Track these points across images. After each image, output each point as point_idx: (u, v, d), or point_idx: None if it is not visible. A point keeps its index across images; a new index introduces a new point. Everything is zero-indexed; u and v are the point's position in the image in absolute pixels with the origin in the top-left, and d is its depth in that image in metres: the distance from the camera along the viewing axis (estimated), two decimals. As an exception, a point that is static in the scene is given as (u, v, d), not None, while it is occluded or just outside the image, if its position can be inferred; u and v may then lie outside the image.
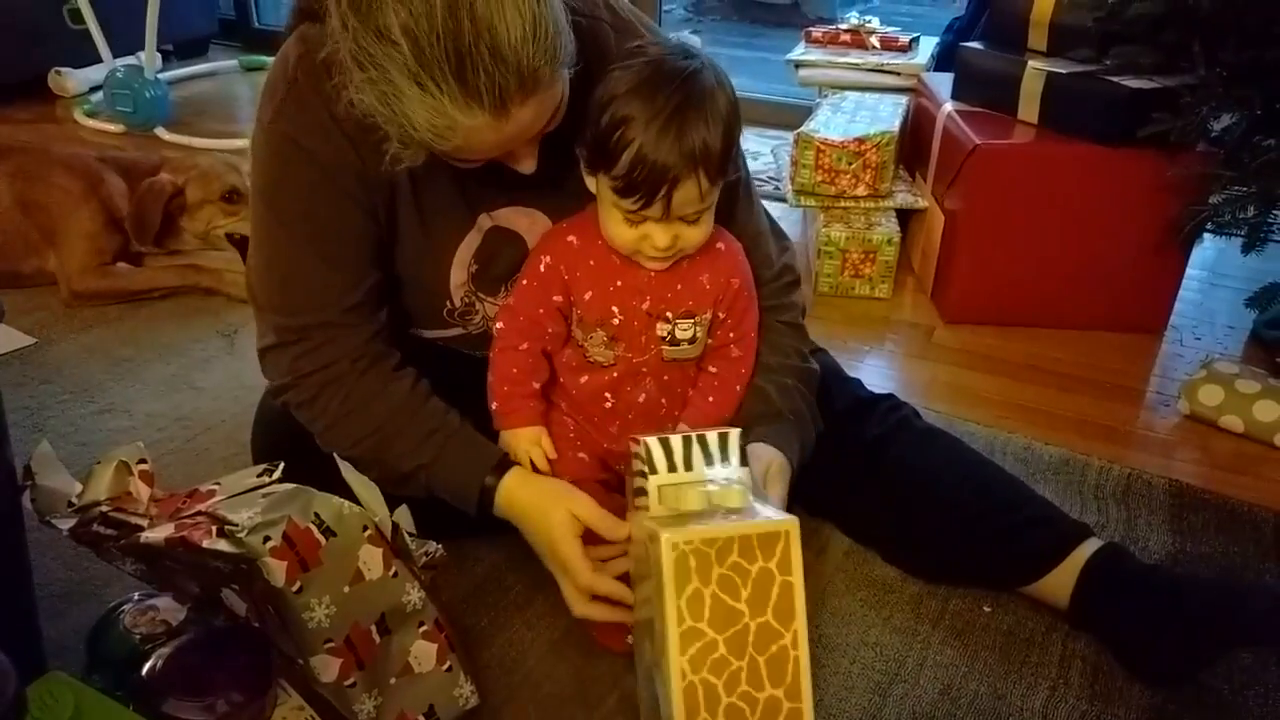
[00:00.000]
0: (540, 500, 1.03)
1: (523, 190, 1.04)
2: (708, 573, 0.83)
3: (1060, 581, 1.12)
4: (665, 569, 0.83)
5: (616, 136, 0.92)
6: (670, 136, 0.91)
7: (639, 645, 0.99)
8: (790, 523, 0.85)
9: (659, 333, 1.05)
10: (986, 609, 1.17)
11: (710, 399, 1.10)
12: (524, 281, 1.06)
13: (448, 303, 1.10)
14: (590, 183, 1.00)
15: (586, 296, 1.04)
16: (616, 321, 1.04)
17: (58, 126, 2.88)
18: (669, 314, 1.04)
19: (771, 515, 0.87)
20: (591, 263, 1.03)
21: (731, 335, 1.09)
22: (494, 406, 1.08)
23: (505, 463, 1.06)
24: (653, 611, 0.89)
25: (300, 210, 1.01)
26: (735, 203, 1.12)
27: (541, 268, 1.05)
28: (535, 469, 1.06)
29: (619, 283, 1.03)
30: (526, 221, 1.08)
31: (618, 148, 0.92)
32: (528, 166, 0.95)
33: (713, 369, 1.11)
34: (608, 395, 1.08)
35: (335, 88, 0.88)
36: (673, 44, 0.99)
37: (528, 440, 1.07)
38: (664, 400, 1.10)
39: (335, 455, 0.95)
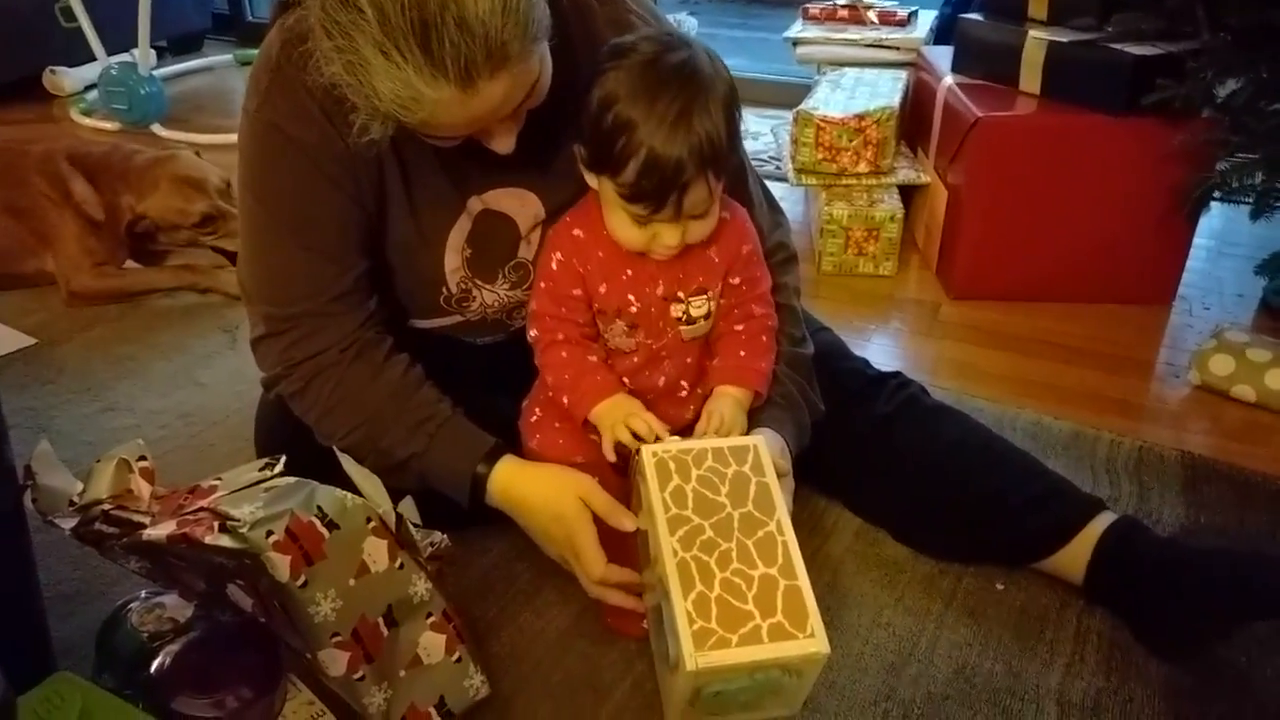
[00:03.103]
0: (546, 489, 1.02)
1: (511, 171, 1.02)
2: (687, 473, 0.92)
3: (1074, 557, 1.11)
4: (648, 471, 0.92)
5: (621, 143, 0.90)
6: (678, 141, 0.89)
7: (653, 630, 0.99)
8: (757, 439, 0.97)
9: (674, 314, 1.04)
10: (999, 586, 1.16)
11: (741, 353, 1.07)
12: (541, 284, 1.05)
13: (444, 289, 1.09)
14: (591, 179, 0.98)
15: (602, 289, 1.02)
16: (634, 310, 1.03)
17: (55, 125, 2.88)
18: (681, 294, 1.03)
19: (743, 439, 0.98)
20: (600, 254, 1.02)
21: (749, 297, 1.08)
22: (567, 400, 1.04)
23: (497, 450, 1.04)
24: (654, 573, 0.92)
25: (286, 199, 1.00)
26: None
27: (554, 265, 1.03)
28: (638, 438, 0.98)
29: (629, 272, 1.02)
30: (517, 203, 1.07)
31: (623, 155, 0.90)
32: (504, 146, 0.93)
33: (738, 327, 1.08)
34: (626, 380, 1.07)
35: (304, 55, 0.87)
36: (662, 32, 0.96)
37: (622, 412, 1.01)
38: (683, 381, 1.08)
39: (335, 448, 0.94)
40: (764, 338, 1.08)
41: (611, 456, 1.01)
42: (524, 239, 1.09)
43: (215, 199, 1.87)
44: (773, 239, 1.16)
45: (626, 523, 0.98)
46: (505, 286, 1.10)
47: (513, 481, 1.03)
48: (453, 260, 1.07)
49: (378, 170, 1.00)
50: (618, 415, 1.00)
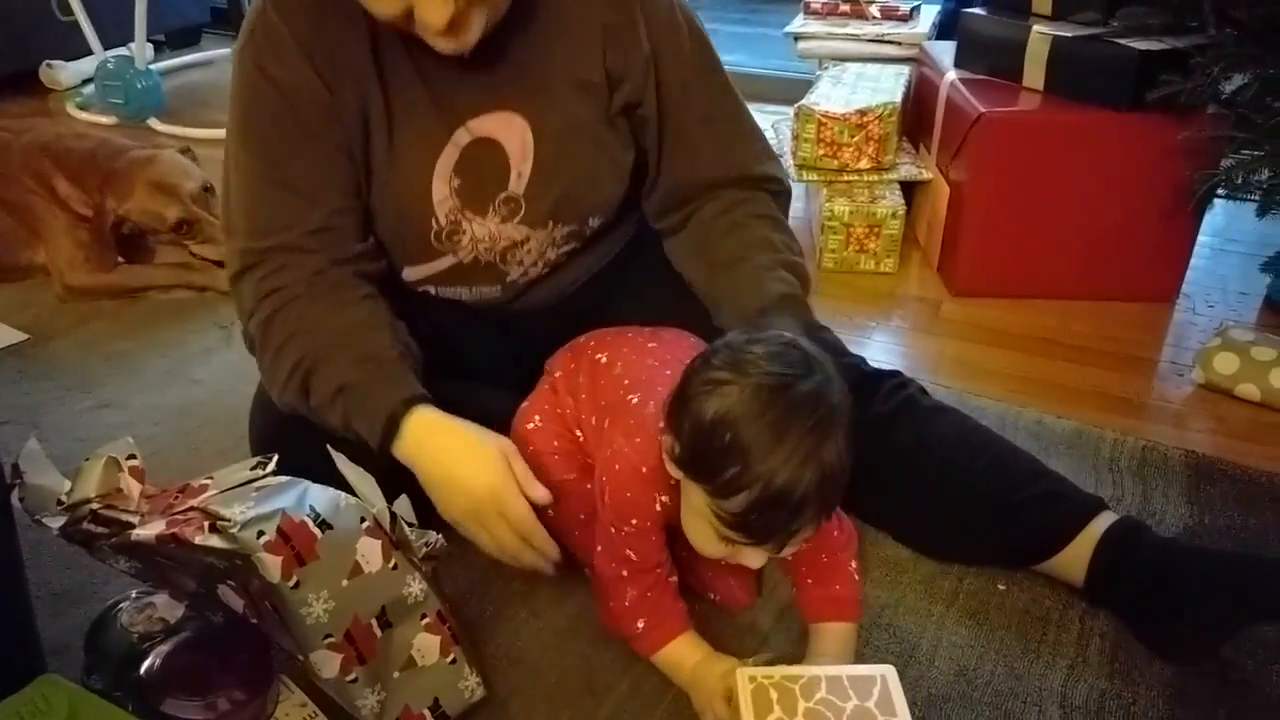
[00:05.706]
0: (469, 437, 0.97)
1: (496, 93, 1.04)
2: (793, 705, 0.79)
3: (1075, 557, 1.09)
4: (741, 697, 0.80)
5: (735, 470, 0.80)
6: (805, 480, 0.80)
7: None
8: (887, 670, 0.84)
9: None
10: (1001, 587, 1.15)
11: (837, 587, 0.99)
12: (632, 524, 0.95)
13: (433, 223, 1.08)
14: (673, 469, 0.88)
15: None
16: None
17: (50, 119, 2.86)
18: None
19: (868, 668, 0.86)
20: (666, 500, 0.93)
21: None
22: (639, 627, 0.97)
23: (427, 401, 0.99)
24: None
25: (263, 136, 1.03)
26: (708, 95, 1.10)
27: (658, 508, 0.94)
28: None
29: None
30: (504, 128, 1.07)
31: (735, 483, 0.81)
32: (445, 45, 0.93)
33: (803, 568, 1.00)
34: None
35: None
36: (783, 344, 0.85)
37: (715, 681, 0.91)
38: None
39: (330, 448, 0.92)
40: (841, 556, 1.00)
41: None
42: (515, 170, 1.08)
43: (189, 204, 1.84)
44: (762, 168, 1.15)
45: (538, 494, 0.96)
46: (496, 220, 1.09)
47: (434, 428, 0.97)
48: (440, 189, 1.07)
49: (360, 107, 1.02)
50: (710, 686, 0.91)
